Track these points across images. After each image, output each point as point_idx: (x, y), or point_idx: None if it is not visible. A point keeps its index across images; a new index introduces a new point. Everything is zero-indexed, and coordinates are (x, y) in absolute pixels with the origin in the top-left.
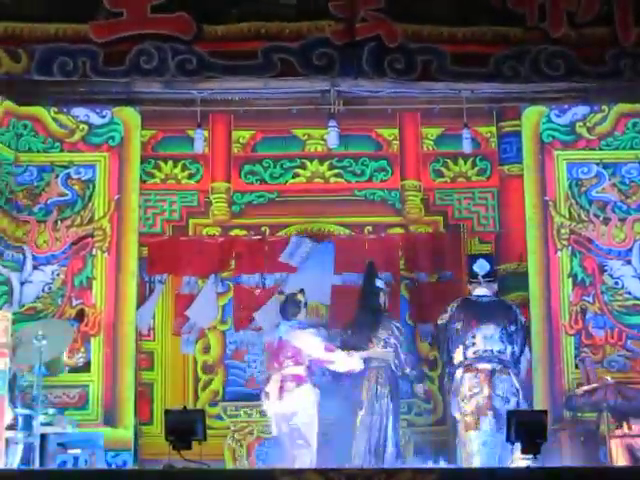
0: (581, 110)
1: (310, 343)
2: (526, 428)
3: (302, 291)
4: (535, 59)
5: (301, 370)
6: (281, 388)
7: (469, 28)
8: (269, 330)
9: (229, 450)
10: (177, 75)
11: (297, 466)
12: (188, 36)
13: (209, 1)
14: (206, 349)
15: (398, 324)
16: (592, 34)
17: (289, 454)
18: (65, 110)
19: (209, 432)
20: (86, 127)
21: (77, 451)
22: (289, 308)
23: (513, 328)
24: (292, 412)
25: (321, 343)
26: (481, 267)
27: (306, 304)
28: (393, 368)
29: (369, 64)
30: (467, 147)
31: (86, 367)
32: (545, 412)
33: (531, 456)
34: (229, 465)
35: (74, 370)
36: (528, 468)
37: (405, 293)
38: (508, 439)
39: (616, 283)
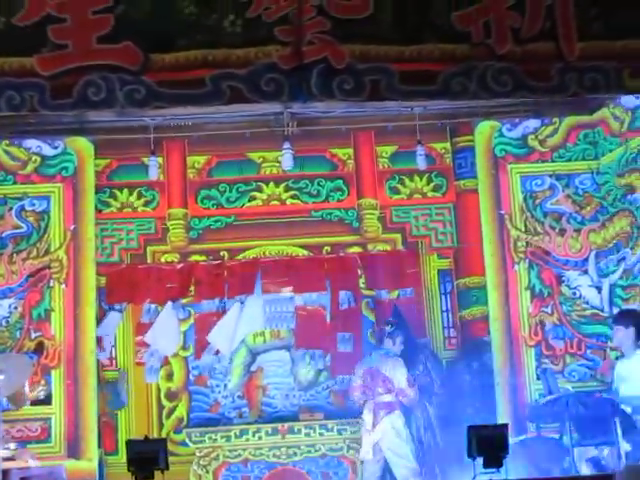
0: (532, 123)
1: (398, 373)
2: (487, 442)
3: (390, 322)
4: (482, 75)
5: (392, 397)
6: (374, 415)
7: (416, 46)
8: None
9: (195, 476)
10: (126, 105)
11: None
12: (135, 66)
13: (155, 30)
14: (169, 376)
15: None
16: (537, 49)
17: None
18: (16, 142)
19: (174, 459)
20: (39, 158)
21: None
22: (378, 336)
23: None
24: (382, 438)
25: (405, 374)
26: None
27: (392, 333)
28: None
29: (318, 87)
30: (421, 164)
31: (47, 400)
32: (506, 425)
33: (494, 470)
34: None
35: (35, 403)
36: None
37: (366, 312)
38: (469, 454)
39: (574, 293)
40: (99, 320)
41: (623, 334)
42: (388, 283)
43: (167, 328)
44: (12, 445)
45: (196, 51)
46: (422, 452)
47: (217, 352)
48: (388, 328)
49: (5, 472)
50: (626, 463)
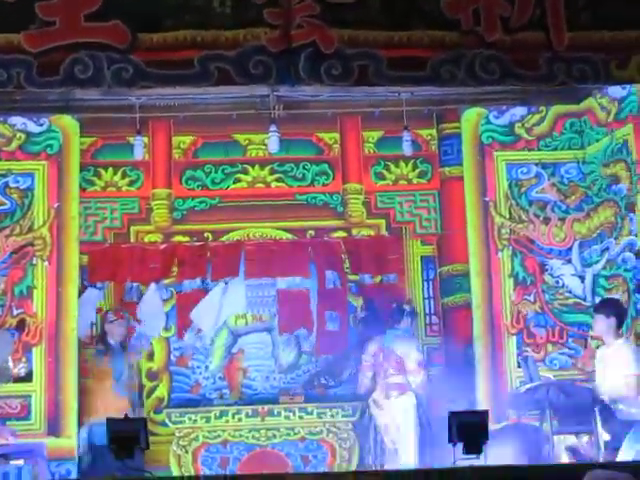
0: (519, 111)
1: (410, 354)
2: (468, 428)
3: (410, 300)
4: (471, 63)
5: (403, 379)
6: (386, 396)
7: (405, 32)
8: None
9: (174, 457)
10: (113, 84)
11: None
12: (123, 45)
13: (144, 9)
14: (150, 356)
15: None
16: (526, 38)
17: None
18: (1, 119)
19: (155, 439)
20: (23, 135)
21: (20, 462)
22: (394, 315)
23: None
24: (394, 419)
25: (419, 356)
26: None
27: (412, 313)
28: None
29: (306, 71)
30: (407, 150)
31: (28, 377)
32: (486, 412)
33: (474, 456)
34: (175, 472)
35: (16, 380)
36: (472, 467)
37: (350, 297)
38: (450, 440)
39: (557, 282)
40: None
41: (604, 323)
42: (371, 268)
43: (152, 309)
44: None
45: (185, 31)
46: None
47: (199, 331)
48: (407, 307)
49: None
50: (593, 470)
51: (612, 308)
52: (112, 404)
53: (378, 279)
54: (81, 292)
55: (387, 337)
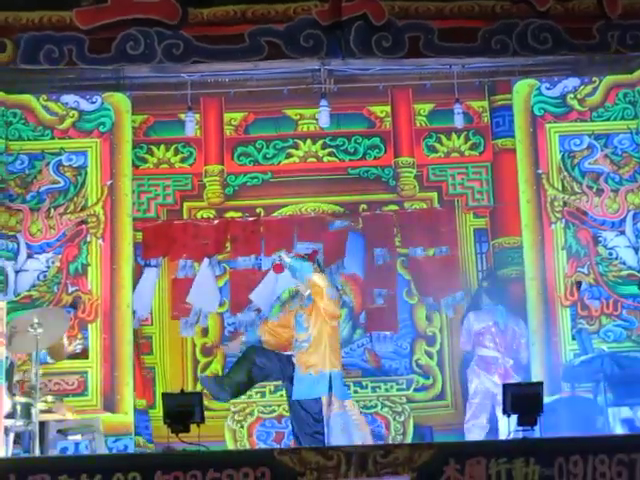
0: (571, 82)
1: (518, 332)
2: (522, 400)
3: (486, 278)
4: (522, 33)
5: (498, 354)
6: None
7: (456, 3)
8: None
9: (229, 431)
10: (164, 60)
11: None
12: (174, 20)
13: None
14: (204, 332)
15: None
16: (578, 6)
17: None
18: (54, 97)
19: (209, 414)
20: (76, 114)
21: (77, 437)
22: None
23: None
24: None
25: (525, 335)
26: None
27: (488, 290)
28: None
29: (356, 44)
30: (459, 122)
31: (84, 354)
32: (541, 384)
33: (528, 427)
34: (230, 446)
35: (72, 357)
36: (525, 439)
37: (402, 270)
38: (504, 411)
39: (610, 254)
40: (136, 276)
41: None
42: (424, 241)
43: (206, 285)
44: (49, 398)
45: (235, 6)
46: None
47: (259, 310)
48: (484, 284)
49: (42, 424)
50: None
51: None
52: None
53: (431, 252)
54: (135, 270)
55: (496, 312)
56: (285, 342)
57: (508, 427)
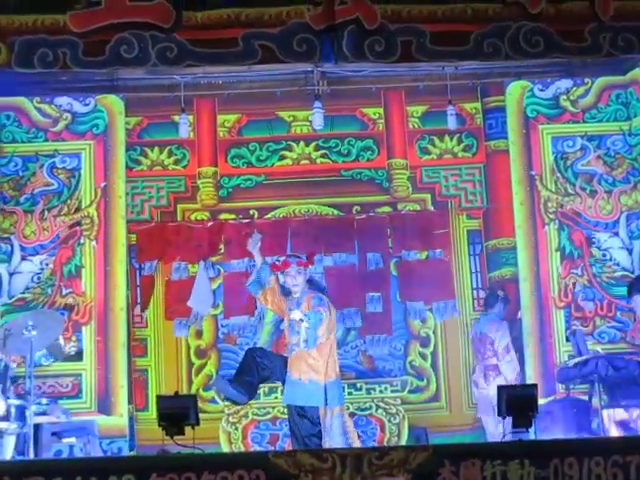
0: (564, 84)
1: (502, 337)
2: (517, 402)
3: (503, 287)
4: (514, 36)
5: (497, 361)
6: (485, 377)
7: (448, 6)
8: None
9: (224, 433)
10: (158, 64)
11: None
12: (168, 24)
13: None
14: (198, 333)
15: None
16: (570, 9)
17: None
18: (48, 99)
19: (203, 416)
20: (69, 116)
21: (72, 440)
22: (488, 301)
23: None
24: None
25: (507, 339)
26: None
27: (505, 299)
28: None
29: (349, 47)
30: (452, 124)
31: (78, 356)
32: (535, 386)
33: (523, 429)
34: (225, 449)
35: (67, 359)
36: (520, 441)
37: (395, 271)
38: (499, 413)
39: (604, 255)
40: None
41: None
42: (417, 243)
43: (201, 288)
44: (44, 400)
45: (229, 9)
46: None
47: (252, 313)
48: (501, 293)
49: (37, 427)
50: None
51: None
52: None
53: (424, 254)
54: (129, 271)
55: (481, 322)
56: None
57: (503, 429)
